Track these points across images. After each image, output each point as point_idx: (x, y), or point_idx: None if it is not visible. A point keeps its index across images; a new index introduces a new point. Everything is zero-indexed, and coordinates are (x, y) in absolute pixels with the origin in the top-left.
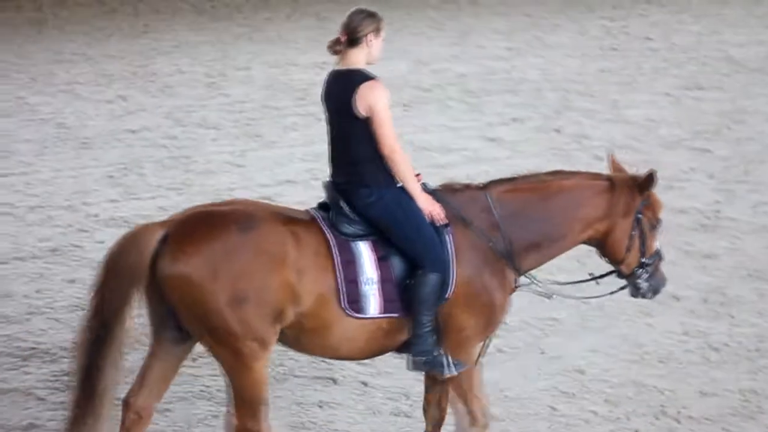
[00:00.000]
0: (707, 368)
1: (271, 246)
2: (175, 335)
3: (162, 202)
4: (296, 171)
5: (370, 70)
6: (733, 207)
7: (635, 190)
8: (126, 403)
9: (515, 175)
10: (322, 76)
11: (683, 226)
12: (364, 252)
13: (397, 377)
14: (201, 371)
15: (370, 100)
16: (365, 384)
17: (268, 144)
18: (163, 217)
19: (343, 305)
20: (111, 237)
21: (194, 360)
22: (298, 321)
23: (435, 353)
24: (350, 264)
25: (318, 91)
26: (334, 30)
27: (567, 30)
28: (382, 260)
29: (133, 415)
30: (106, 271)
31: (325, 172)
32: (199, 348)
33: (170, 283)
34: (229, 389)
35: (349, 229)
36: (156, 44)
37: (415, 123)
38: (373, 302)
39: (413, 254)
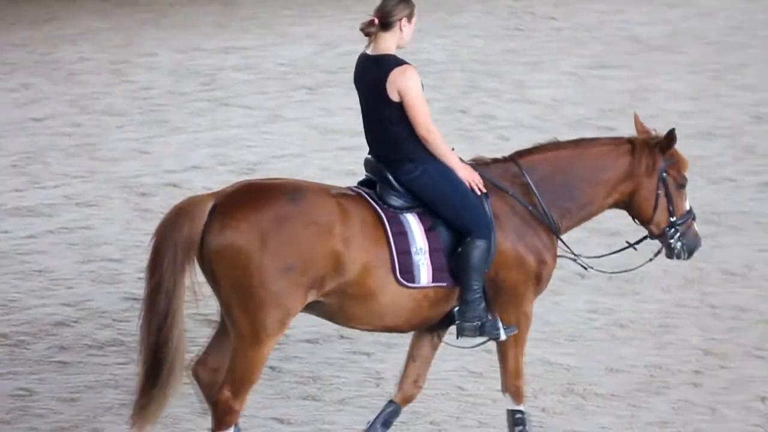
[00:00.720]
0: (614, 345)
1: (319, 216)
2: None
3: (67, 191)
4: (202, 157)
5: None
6: None
7: (656, 150)
8: (197, 370)
9: (537, 144)
10: (228, 62)
11: None
12: (413, 223)
13: (307, 362)
14: (108, 360)
15: (401, 85)
16: (274, 369)
17: (174, 130)
18: (68, 205)
19: (397, 275)
20: (15, 227)
21: (100, 348)
22: (341, 289)
23: (486, 318)
24: (401, 235)
25: (224, 75)
26: (241, 15)
27: (472, 11)
28: (429, 231)
29: (208, 377)
30: (160, 246)
31: (231, 157)
32: (108, 337)
33: (218, 251)
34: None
35: (396, 201)
36: (59, 32)
37: (321, 106)
38: (424, 272)
39: (460, 223)
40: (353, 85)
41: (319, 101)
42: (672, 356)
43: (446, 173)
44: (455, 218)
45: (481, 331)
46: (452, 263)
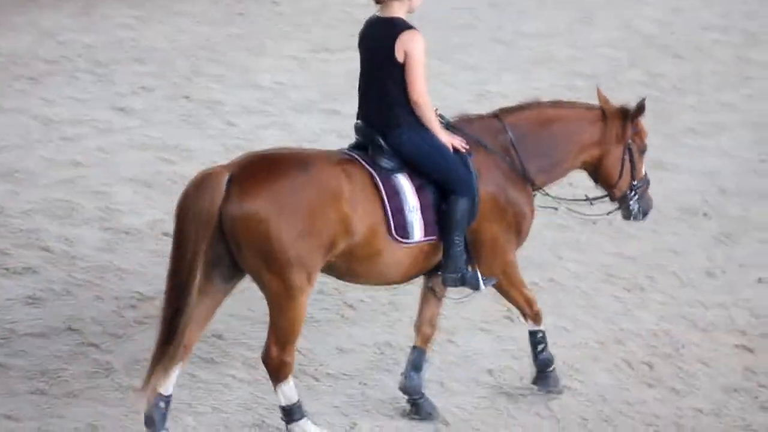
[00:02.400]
0: (344, 325)
1: (329, 183)
2: (226, 273)
3: None
4: None
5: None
6: None
7: (626, 120)
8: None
9: (521, 104)
10: None
11: None
12: (404, 183)
13: (34, 356)
14: None
15: (408, 47)
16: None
17: None
18: None
19: (392, 233)
20: None
21: None
22: (349, 251)
23: (467, 270)
24: (395, 195)
25: None
26: None
27: None
28: (419, 189)
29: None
30: (183, 217)
31: None
32: None
33: (238, 220)
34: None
35: (388, 163)
36: None
37: (42, 96)
38: (417, 228)
39: (444, 182)
40: (84, 71)
41: (40, 91)
42: (401, 334)
43: (429, 137)
44: (439, 178)
45: (462, 281)
46: (438, 219)
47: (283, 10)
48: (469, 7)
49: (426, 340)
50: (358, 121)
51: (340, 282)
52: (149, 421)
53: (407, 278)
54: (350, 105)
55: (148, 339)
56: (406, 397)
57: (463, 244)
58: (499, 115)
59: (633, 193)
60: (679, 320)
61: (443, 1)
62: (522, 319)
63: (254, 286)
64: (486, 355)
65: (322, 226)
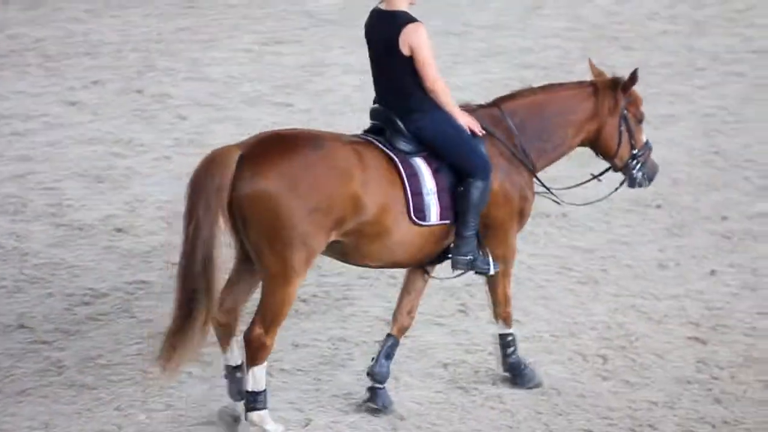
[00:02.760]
0: (297, 320)
1: (340, 162)
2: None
3: None
4: None
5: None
6: None
7: (618, 90)
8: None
9: (515, 91)
10: None
11: None
12: (422, 166)
13: None
14: None
15: (413, 40)
16: None
17: None
18: None
19: (411, 215)
20: None
21: None
22: (358, 229)
23: (478, 253)
24: (414, 177)
25: None
26: None
27: None
28: (436, 172)
29: (224, 318)
30: (194, 195)
31: None
32: None
33: (248, 197)
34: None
35: (406, 146)
36: None
37: None
38: (433, 210)
39: (462, 165)
40: (35, 66)
41: None
42: (355, 328)
43: (449, 121)
44: (458, 161)
45: (472, 265)
46: (453, 202)
47: (233, 3)
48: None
49: (402, 330)
50: (376, 105)
51: None
52: (238, 393)
53: (415, 260)
54: (302, 98)
55: (101, 336)
56: (370, 384)
57: (476, 228)
58: (497, 103)
59: (635, 161)
60: (632, 312)
61: None
62: (493, 318)
63: None
64: (440, 349)
65: (331, 203)
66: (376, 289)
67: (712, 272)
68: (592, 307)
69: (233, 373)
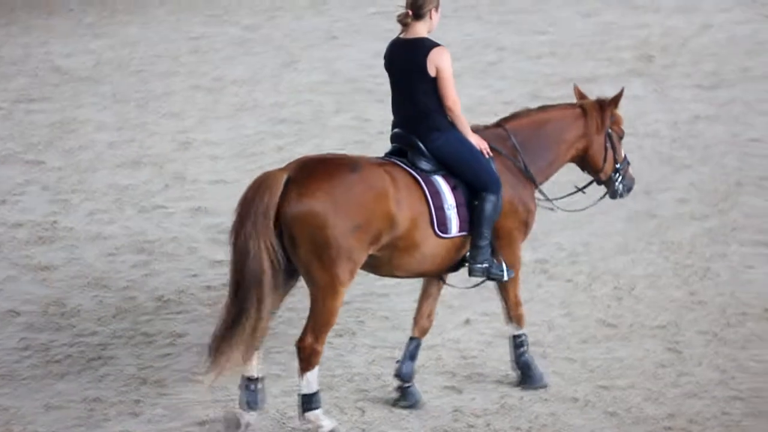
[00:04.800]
0: (52, 381)
1: (376, 183)
2: (289, 270)
3: None
4: None
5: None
6: (70, 217)
7: (604, 111)
8: None
9: (515, 112)
10: None
11: (20, 239)
12: (442, 183)
13: None
14: None
15: (438, 62)
16: None
17: None
18: None
19: (435, 228)
20: None
21: None
22: (392, 243)
23: (492, 262)
24: (436, 194)
25: None
26: None
27: None
28: (454, 189)
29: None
30: (243, 214)
31: None
32: None
33: (297, 217)
34: None
35: (426, 165)
36: None
37: None
38: (454, 223)
39: (476, 181)
40: None
41: None
42: (110, 388)
43: (463, 140)
44: (472, 178)
45: (488, 272)
46: (469, 215)
47: None
48: (171, 55)
49: (423, 332)
50: (397, 130)
51: (43, 335)
52: (247, 403)
53: (439, 270)
54: (54, 155)
55: None
56: (397, 384)
57: (490, 238)
58: (501, 124)
59: (617, 174)
60: (389, 364)
61: (145, 49)
62: (505, 321)
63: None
64: (199, 407)
65: (370, 221)
66: (131, 347)
67: (467, 321)
68: (350, 359)
69: (248, 384)
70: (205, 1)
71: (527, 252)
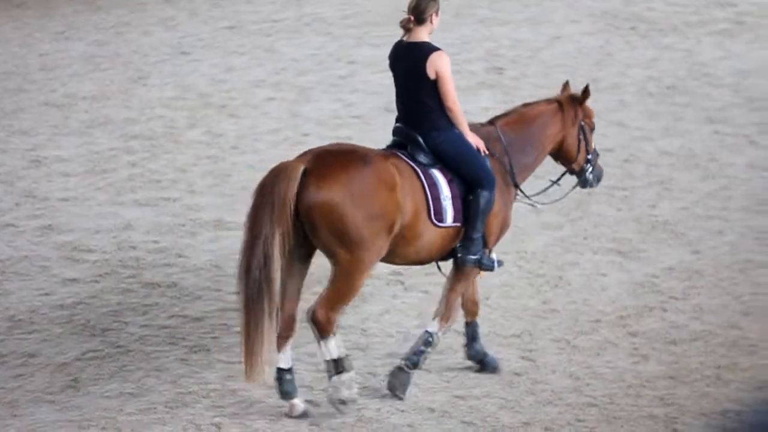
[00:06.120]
0: None
1: (386, 175)
2: (303, 254)
3: None
4: None
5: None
6: None
7: (576, 104)
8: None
9: (505, 112)
10: None
11: None
12: (439, 176)
13: None
14: None
15: (439, 65)
16: None
17: None
18: None
19: (431, 217)
20: None
21: None
22: (400, 233)
23: (484, 253)
24: (433, 185)
25: None
26: None
27: None
28: (450, 182)
29: (287, 319)
30: (259, 201)
31: None
32: None
33: (316, 206)
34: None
35: (425, 159)
36: None
37: None
38: (449, 213)
39: (473, 176)
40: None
41: None
42: None
43: (461, 138)
44: (469, 174)
45: (479, 263)
46: (463, 208)
47: None
48: (20, 72)
49: (473, 314)
50: (398, 124)
51: None
52: (284, 393)
53: (432, 258)
54: None
55: None
56: (473, 363)
57: (483, 231)
58: (493, 122)
59: (588, 164)
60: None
61: None
62: (433, 316)
63: None
64: (51, 427)
65: (385, 210)
66: None
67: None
68: (205, 376)
69: (283, 374)
70: (52, 17)
71: (382, 264)
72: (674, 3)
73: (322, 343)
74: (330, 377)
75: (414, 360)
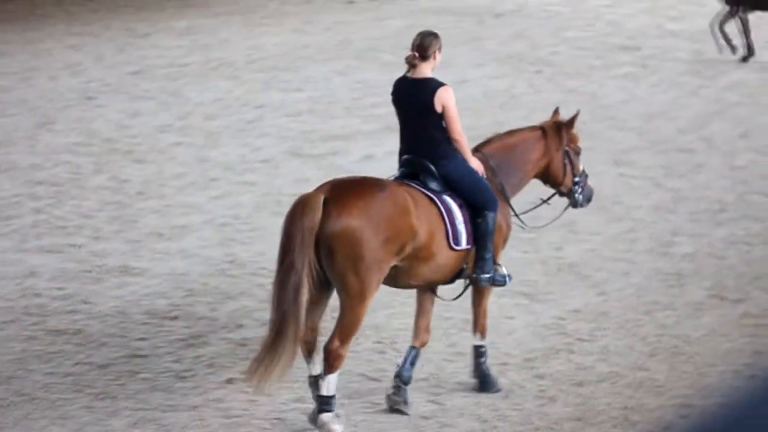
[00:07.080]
0: None
1: (400, 201)
2: (327, 282)
3: None
4: None
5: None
6: None
7: (561, 131)
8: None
9: (489, 137)
10: None
11: None
12: (451, 202)
13: None
14: None
15: (444, 100)
16: None
17: None
18: None
19: (450, 241)
20: None
21: None
22: (414, 254)
23: (496, 271)
24: (449, 211)
25: None
26: None
27: None
28: (461, 207)
29: (308, 335)
30: (290, 233)
31: None
32: None
33: (337, 233)
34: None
35: (437, 187)
36: None
37: None
38: (464, 237)
39: (479, 200)
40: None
41: None
42: None
43: (467, 166)
44: (476, 198)
45: (493, 280)
46: (473, 231)
47: None
48: None
49: (423, 344)
50: (408, 156)
51: None
52: (323, 402)
53: (445, 279)
54: None
55: None
56: (396, 382)
57: (493, 250)
58: (479, 148)
59: (577, 186)
60: (152, 426)
61: None
62: (472, 332)
63: None
64: None
65: (398, 233)
66: None
67: (229, 380)
68: (111, 423)
69: (316, 381)
70: None
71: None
72: (579, 47)
73: (326, 377)
74: (320, 413)
75: (483, 373)
